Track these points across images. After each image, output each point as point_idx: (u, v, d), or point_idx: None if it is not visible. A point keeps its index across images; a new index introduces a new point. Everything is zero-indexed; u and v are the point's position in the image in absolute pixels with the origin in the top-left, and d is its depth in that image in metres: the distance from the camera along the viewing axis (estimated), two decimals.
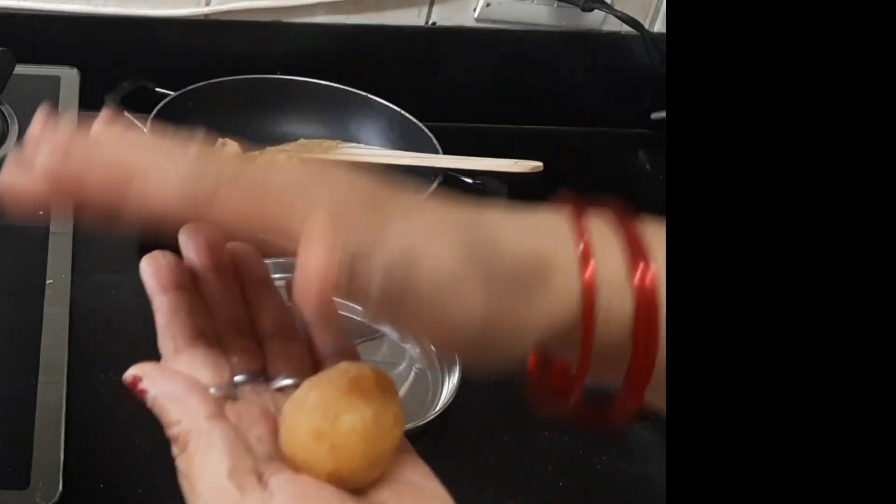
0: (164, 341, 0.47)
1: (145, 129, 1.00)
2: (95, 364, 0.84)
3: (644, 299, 0.43)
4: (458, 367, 0.86)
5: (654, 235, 0.44)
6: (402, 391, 0.88)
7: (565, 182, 1.33)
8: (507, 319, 0.42)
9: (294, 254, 0.40)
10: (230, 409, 0.45)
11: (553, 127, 1.28)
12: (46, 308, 0.83)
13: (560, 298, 0.43)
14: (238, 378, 0.47)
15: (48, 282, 0.85)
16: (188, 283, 0.48)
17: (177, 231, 0.46)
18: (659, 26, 1.26)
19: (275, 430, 0.44)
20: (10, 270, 0.88)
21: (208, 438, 0.42)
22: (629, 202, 0.56)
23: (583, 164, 1.24)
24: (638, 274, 0.43)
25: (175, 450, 0.43)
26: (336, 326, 0.41)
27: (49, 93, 1.08)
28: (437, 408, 0.84)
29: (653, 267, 0.43)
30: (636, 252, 0.43)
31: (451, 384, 0.86)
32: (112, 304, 0.91)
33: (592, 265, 0.43)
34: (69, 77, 1.11)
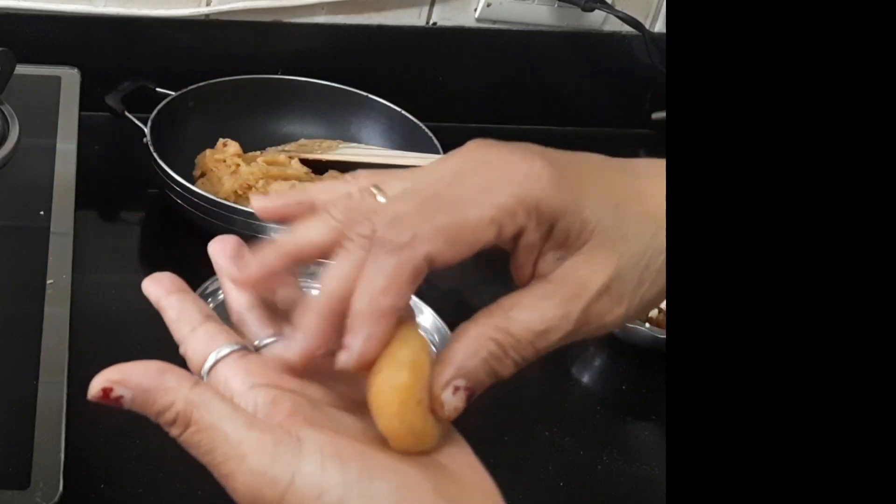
0: (179, 328, 0.48)
1: (146, 130, 1.00)
2: (95, 364, 0.84)
3: None
4: None
5: None
6: None
7: None
8: None
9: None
10: (251, 358, 0.46)
11: (553, 127, 1.28)
12: (47, 308, 0.83)
13: None
14: (264, 339, 0.48)
15: (49, 282, 0.85)
16: (188, 289, 0.50)
17: None
18: (660, 26, 1.26)
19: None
20: (11, 270, 0.88)
21: (207, 403, 0.43)
22: None
23: None
24: None
25: (176, 431, 0.44)
26: None
27: (49, 93, 1.08)
28: None
29: None
30: None
31: None
32: (112, 304, 0.91)
33: None
34: (69, 77, 1.11)
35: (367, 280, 0.42)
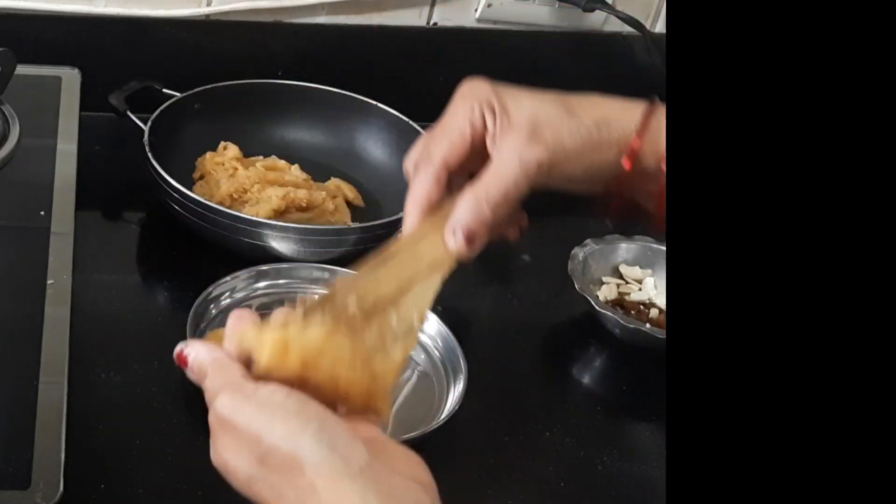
0: None
1: (146, 129, 1.00)
2: (95, 364, 0.84)
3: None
4: (463, 373, 0.86)
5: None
6: (407, 397, 0.88)
7: None
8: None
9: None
10: None
11: None
12: (47, 308, 0.83)
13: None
14: None
15: (49, 282, 0.85)
16: None
17: None
18: (660, 27, 1.26)
19: None
20: (11, 270, 0.88)
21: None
22: (629, 202, 0.57)
23: None
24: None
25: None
26: None
27: (50, 93, 1.08)
28: (444, 415, 0.82)
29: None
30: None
31: (456, 391, 0.85)
32: (112, 304, 0.91)
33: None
34: (70, 77, 1.11)
35: None
